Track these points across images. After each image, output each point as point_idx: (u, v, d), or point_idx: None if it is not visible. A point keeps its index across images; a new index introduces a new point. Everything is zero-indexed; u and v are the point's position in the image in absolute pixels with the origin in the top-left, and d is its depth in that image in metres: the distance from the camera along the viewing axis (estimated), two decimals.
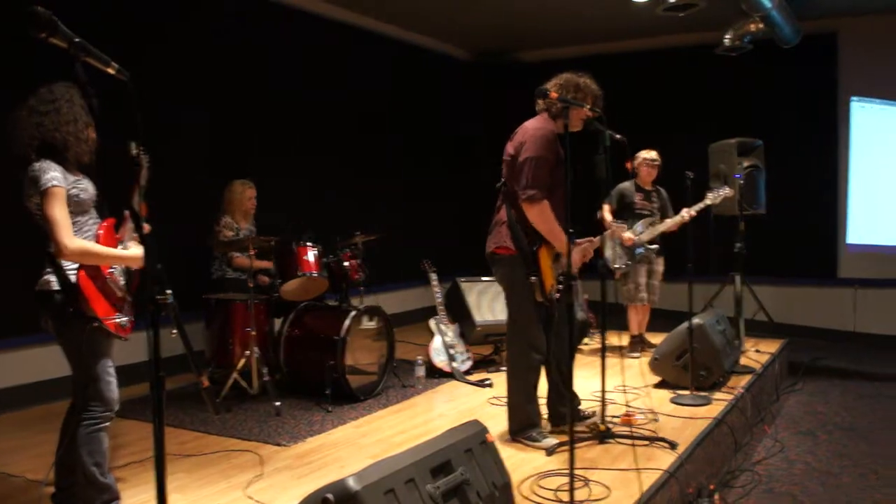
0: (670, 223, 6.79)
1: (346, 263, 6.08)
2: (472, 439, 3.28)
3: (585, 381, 5.02)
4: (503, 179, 4.50)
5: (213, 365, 5.84)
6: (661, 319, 7.37)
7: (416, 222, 9.54)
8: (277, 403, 5.32)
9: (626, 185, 6.98)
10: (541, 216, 4.30)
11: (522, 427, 4.60)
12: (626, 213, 6.95)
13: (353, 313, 5.66)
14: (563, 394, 4.67)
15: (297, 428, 5.03)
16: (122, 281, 3.49)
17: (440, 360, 6.40)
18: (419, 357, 6.31)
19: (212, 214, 6.30)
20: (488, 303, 6.85)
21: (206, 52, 6.93)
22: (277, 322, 6.13)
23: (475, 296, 6.88)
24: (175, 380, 6.09)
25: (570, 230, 3.80)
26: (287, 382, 5.86)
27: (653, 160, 7.02)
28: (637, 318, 7.12)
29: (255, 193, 6.38)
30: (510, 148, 4.46)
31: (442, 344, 6.47)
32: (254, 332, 5.48)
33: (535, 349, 4.51)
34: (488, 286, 6.97)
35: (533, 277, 4.34)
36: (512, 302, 4.54)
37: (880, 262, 8.99)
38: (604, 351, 4.35)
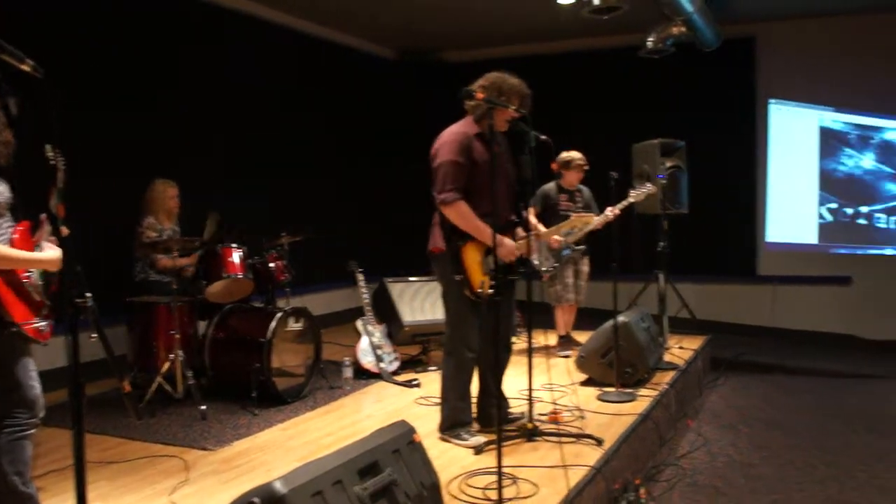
0: (596, 222, 6.83)
1: (271, 265, 6.01)
2: (400, 439, 3.27)
3: (513, 379, 5.05)
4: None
5: (136, 369, 5.71)
6: (587, 318, 7.44)
7: (343, 223, 9.47)
8: (203, 407, 5.23)
9: (550, 187, 7.00)
10: (459, 216, 4.34)
11: (452, 425, 4.60)
12: (550, 214, 6.94)
13: (279, 315, 5.60)
14: (492, 395, 4.69)
15: (223, 432, 4.95)
16: (39, 285, 3.39)
17: (368, 360, 6.37)
18: (346, 358, 6.27)
19: (134, 215, 6.17)
20: (416, 303, 6.84)
21: (128, 48, 6.79)
22: (202, 325, 6.03)
23: (402, 296, 6.87)
24: (96, 385, 5.95)
25: (514, 219, 3.82)
26: (213, 386, 5.76)
27: (583, 164, 7.04)
28: (564, 318, 7.17)
29: (178, 192, 6.27)
30: (432, 153, 4.49)
31: (369, 345, 6.44)
32: (178, 335, 5.38)
33: (468, 347, 4.52)
34: (415, 286, 6.96)
35: (458, 276, 4.36)
36: (446, 299, 4.57)
37: (797, 260, 9.26)
38: (530, 350, 4.38)
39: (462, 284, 4.38)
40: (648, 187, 6.75)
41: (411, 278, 7.07)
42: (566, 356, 6.91)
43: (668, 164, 7.34)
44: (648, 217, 7.31)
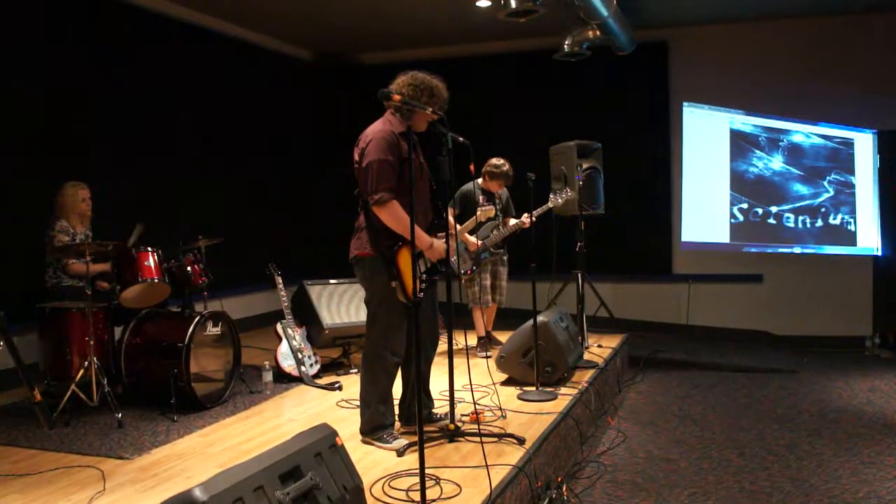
0: (513, 227, 6.90)
1: (188, 268, 5.90)
2: (322, 443, 3.23)
3: (434, 380, 5.04)
4: (358, 187, 4.49)
5: (48, 377, 5.54)
6: (507, 318, 7.49)
7: (262, 225, 9.38)
8: (119, 415, 5.11)
9: (469, 188, 6.99)
10: (392, 217, 4.30)
11: (374, 428, 4.57)
12: (469, 215, 6.97)
13: (196, 319, 5.52)
14: (420, 396, 4.68)
15: (141, 440, 4.84)
16: None
17: (288, 364, 6.31)
18: (266, 362, 6.21)
19: (45, 219, 6.00)
20: (336, 305, 6.80)
21: (34, 47, 6.59)
22: (118, 331, 5.89)
23: (322, 298, 6.82)
24: (6, 395, 5.77)
25: (435, 221, 3.80)
26: (129, 393, 5.63)
27: (508, 181, 7.01)
28: (482, 319, 7.21)
29: (90, 195, 6.12)
30: (356, 154, 4.45)
31: (289, 348, 6.37)
32: (92, 342, 5.24)
33: (393, 352, 4.51)
34: (335, 289, 6.92)
35: (393, 282, 4.34)
36: (372, 304, 4.53)
37: (711, 259, 9.46)
38: (451, 351, 4.37)
39: (396, 290, 4.37)
40: (567, 194, 6.83)
41: (331, 281, 7.02)
42: (487, 356, 6.93)
43: (585, 165, 7.42)
44: (566, 218, 7.37)
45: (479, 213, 6.20)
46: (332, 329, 6.68)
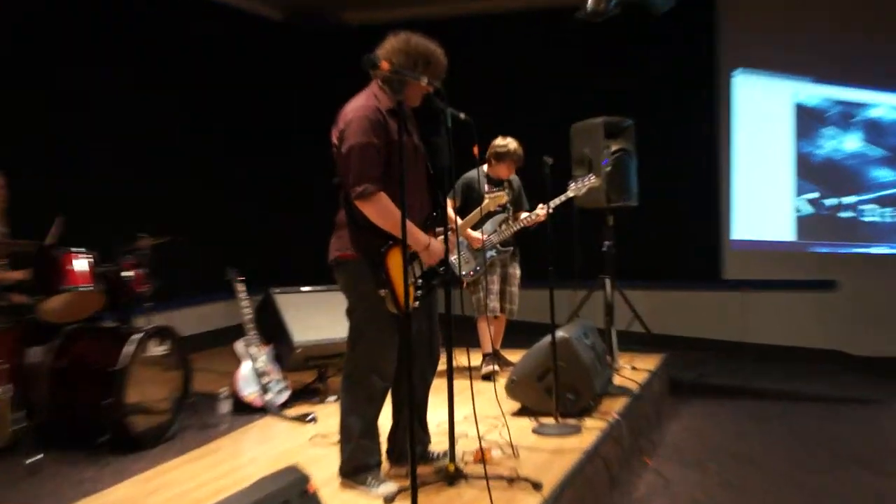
0: (526, 221, 6.92)
1: (127, 273, 5.87)
2: (290, 489, 3.21)
3: (430, 410, 5.00)
4: (338, 174, 4.47)
5: None
6: (519, 333, 7.46)
7: (220, 221, 9.38)
8: (36, 458, 5.06)
9: (473, 175, 6.98)
10: (380, 213, 4.27)
11: (357, 468, 4.54)
12: (473, 208, 6.95)
13: (137, 337, 5.49)
14: (413, 429, 4.62)
15: (63, 488, 4.80)
16: None
17: (250, 391, 6.29)
18: (223, 389, 6.19)
19: None
20: (309, 318, 6.77)
21: None
22: (37, 352, 5.83)
23: (293, 310, 6.79)
24: None
25: (433, 214, 3.81)
26: (50, 429, 5.57)
27: (519, 160, 7.09)
28: (489, 334, 7.18)
29: (5, 183, 6.07)
30: (334, 136, 4.42)
31: (252, 371, 6.36)
32: (5, 366, 5.19)
33: (379, 374, 4.48)
34: (309, 298, 6.90)
35: (383, 290, 4.32)
36: (355, 315, 4.52)
37: (769, 261, 9.42)
38: (450, 372, 4.31)
39: (385, 299, 4.35)
40: (591, 179, 6.82)
41: (304, 288, 7.01)
42: (492, 370, 6.99)
43: (614, 147, 7.41)
44: (591, 211, 7.37)
45: (486, 199, 6.19)
46: (306, 347, 6.65)
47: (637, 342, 8.03)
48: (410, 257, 4.36)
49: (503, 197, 6.48)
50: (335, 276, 4.56)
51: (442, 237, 4.46)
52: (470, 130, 4.11)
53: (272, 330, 6.73)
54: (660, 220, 9.31)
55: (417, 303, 4.43)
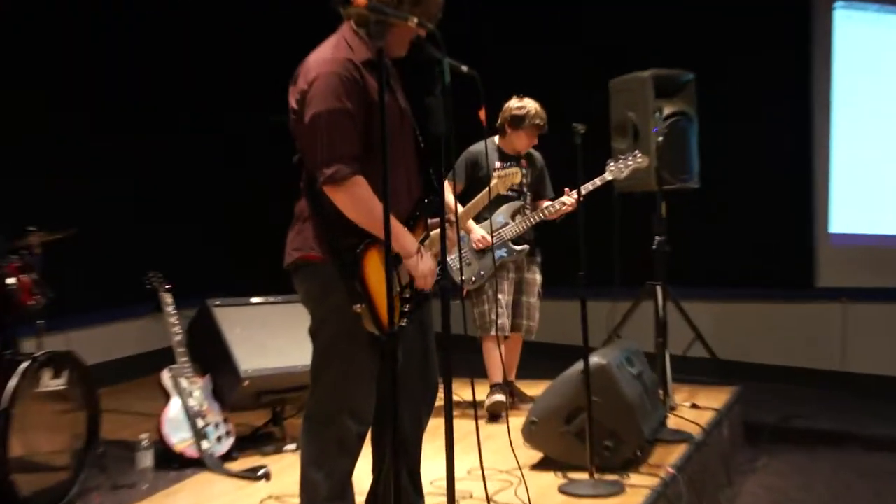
0: (549, 211, 6.92)
1: (10, 281, 5.83)
2: None
3: (423, 462, 4.96)
4: (298, 152, 4.40)
5: None
6: (540, 359, 7.46)
7: (137, 212, 9.37)
8: None
9: (480, 149, 7.00)
10: (355, 203, 4.19)
11: None
12: (479, 191, 6.92)
13: (23, 367, 5.43)
14: (400, 492, 4.56)
15: None
16: None
17: (180, 438, 6.26)
18: (144, 436, 6.11)
19: None
20: (261, 340, 6.75)
21: None
22: None
23: (239, 329, 6.76)
24: None
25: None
26: None
27: (542, 123, 7.08)
28: (498, 358, 7.13)
29: None
30: (293, 98, 4.34)
31: (183, 412, 6.33)
32: None
33: (354, 415, 4.41)
34: (260, 312, 6.91)
35: (358, 305, 4.25)
36: (320, 336, 4.45)
37: (879, 263, 9.31)
38: (449, 412, 4.24)
39: (361, 315, 4.28)
40: (637, 158, 6.84)
41: (253, 299, 7.02)
42: (503, 407, 6.93)
43: (668, 110, 7.40)
44: (637, 197, 7.36)
45: (494, 178, 6.17)
46: (255, 378, 6.60)
47: (699, 371, 8.01)
48: (395, 259, 4.31)
49: (517, 174, 6.49)
50: (294, 284, 4.51)
51: (434, 238, 4.44)
52: (475, 88, 4.05)
53: (210, 356, 6.71)
54: (730, 208, 9.25)
55: (405, 320, 4.37)
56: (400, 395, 4.06)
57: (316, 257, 4.37)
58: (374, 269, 4.26)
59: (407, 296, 4.42)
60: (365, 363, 4.42)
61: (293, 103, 4.35)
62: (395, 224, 4.19)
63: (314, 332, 4.50)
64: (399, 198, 4.28)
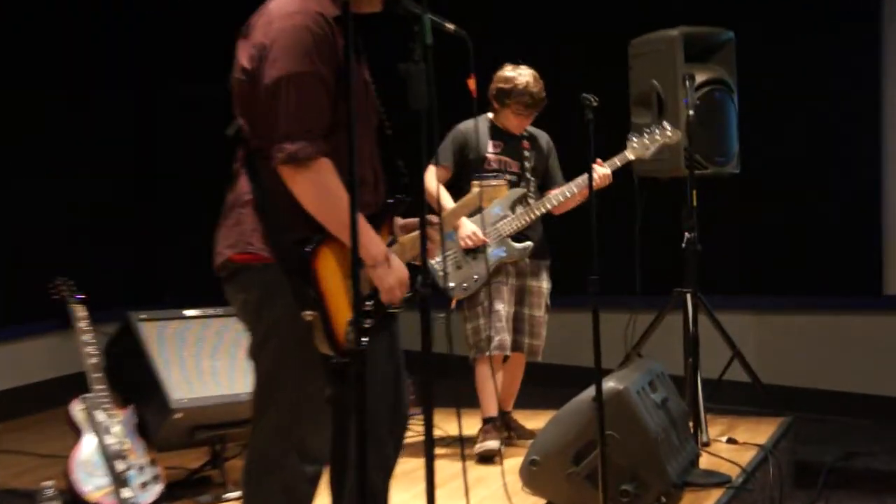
0: (555, 200, 6.95)
1: None
2: None
3: None
4: (237, 120, 4.41)
5: None
6: (541, 383, 7.47)
7: (42, 208, 9.40)
8: None
9: (470, 127, 7.06)
10: (318, 191, 4.16)
11: None
12: (471, 177, 7.01)
13: None
14: None
15: None
16: None
17: (95, 485, 6.22)
18: (48, 483, 6.10)
19: None
20: (197, 362, 6.76)
21: None
22: None
23: (169, 349, 6.76)
24: None
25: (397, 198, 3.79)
26: None
27: (540, 94, 7.07)
28: (492, 384, 7.14)
29: None
30: (243, 55, 4.32)
31: (98, 451, 6.31)
32: None
33: (304, 454, 4.41)
34: (195, 329, 6.88)
35: (309, 312, 4.26)
36: (262, 357, 4.44)
37: None
38: (430, 450, 4.29)
39: (312, 329, 4.29)
40: (666, 132, 6.86)
41: (188, 312, 7.00)
42: (497, 445, 6.97)
43: (702, 77, 7.44)
44: (663, 184, 7.41)
45: (475, 189, 6.14)
46: (190, 410, 6.61)
47: (739, 399, 8.08)
48: (357, 263, 4.27)
49: (502, 188, 6.50)
50: (227, 293, 4.49)
51: (405, 243, 4.47)
52: (463, 51, 4.07)
53: (134, 382, 6.71)
54: (778, 199, 9.27)
55: (367, 337, 4.31)
56: (364, 431, 4.12)
57: (256, 257, 4.30)
58: (329, 272, 4.24)
59: (368, 308, 4.41)
60: (318, 391, 4.40)
61: (244, 61, 4.27)
62: (362, 223, 4.12)
63: (255, 353, 4.45)
64: (363, 192, 4.20)
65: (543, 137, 7.32)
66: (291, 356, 4.38)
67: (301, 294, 4.26)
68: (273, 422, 4.45)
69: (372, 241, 4.25)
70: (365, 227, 4.20)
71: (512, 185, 7.08)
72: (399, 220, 4.56)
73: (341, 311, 4.25)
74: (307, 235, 4.26)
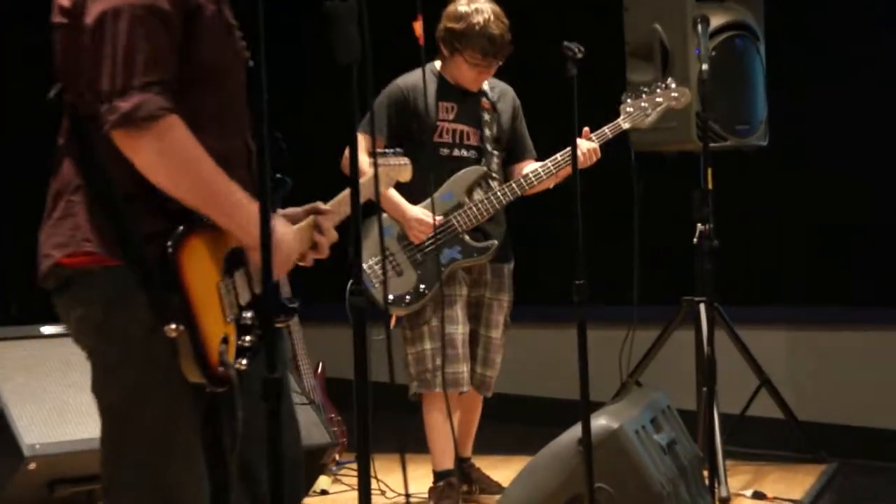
0: (526, 183, 6.89)
1: None
2: None
3: None
4: (59, 81, 4.33)
5: None
6: (509, 422, 7.47)
7: None
8: None
9: (410, 82, 7.03)
10: (168, 159, 4.02)
11: None
12: (416, 151, 6.90)
13: None
14: None
15: None
16: None
17: None
18: None
19: None
20: (57, 393, 6.76)
21: None
22: None
23: (20, 378, 6.76)
24: None
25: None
26: None
27: (492, 37, 6.99)
28: (447, 429, 7.11)
29: None
30: None
31: None
32: None
33: (169, 500, 4.42)
34: (54, 351, 6.87)
35: (173, 326, 4.20)
36: (110, 391, 4.34)
37: None
38: None
39: (176, 348, 4.24)
40: (671, 91, 6.84)
41: (45, 328, 6.99)
42: None
43: (719, 20, 7.45)
44: (668, 161, 7.38)
45: (372, 169, 5.89)
46: (46, 458, 6.61)
47: (768, 440, 8.10)
48: (234, 258, 4.28)
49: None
50: (58, 308, 4.35)
51: (301, 221, 4.40)
52: None
53: None
54: (816, 181, 9.27)
55: (244, 359, 4.28)
56: (252, 480, 4.19)
57: (95, 258, 4.13)
58: (198, 273, 4.10)
59: (248, 322, 4.43)
60: (187, 431, 4.28)
61: (65, 1, 4.25)
62: (235, 191, 4.06)
63: (100, 386, 4.32)
64: (237, 171, 4.15)
65: (508, 94, 7.24)
66: (150, 387, 4.23)
67: (160, 303, 4.08)
68: (129, 477, 4.36)
69: (252, 216, 3.81)
70: (240, 200, 4.08)
71: (470, 162, 7.02)
72: (280, 210, 4.39)
73: (214, 324, 4.14)
74: (165, 226, 4.08)
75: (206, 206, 4.09)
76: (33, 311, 7.18)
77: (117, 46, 3.98)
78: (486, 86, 7.15)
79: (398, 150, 5.92)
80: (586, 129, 6.63)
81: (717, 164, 7.19)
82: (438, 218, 6.74)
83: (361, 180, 4.58)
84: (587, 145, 6.62)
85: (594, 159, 6.67)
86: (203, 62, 4.11)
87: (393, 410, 6.51)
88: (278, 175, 4.39)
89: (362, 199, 4.29)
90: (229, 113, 4.21)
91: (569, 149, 6.32)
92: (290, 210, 4.43)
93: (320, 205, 4.45)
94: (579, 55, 5.63)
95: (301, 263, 4.40)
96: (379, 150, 6.20)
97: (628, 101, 6.83)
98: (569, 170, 6.49)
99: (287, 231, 4.26)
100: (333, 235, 4.40)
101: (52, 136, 4.33)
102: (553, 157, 6.81)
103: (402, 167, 5.14)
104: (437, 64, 7.11)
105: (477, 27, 6.86)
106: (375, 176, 4.22)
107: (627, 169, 7.02)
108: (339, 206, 4.49)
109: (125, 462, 4.33)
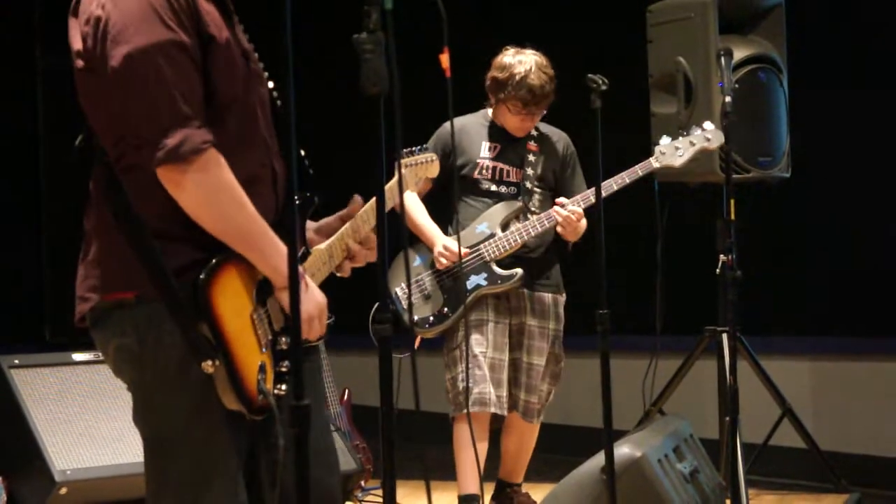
0: (562, 217, 6.85)
1: None
2: None
3: None
4: (87, 126, 4.31)
5: None
6: (535, 448, 7.46)
7: None
8: None
9: (462, 126, 7.11)
10: (214, 194, 3.96)
11: None
12: (458, 189, 7.03)
13: None
14: None
15: None
16: None
17: None
18: None
19: None
20: (88, 419, 6.75)
21: None
22: None
23: (50, 402, 6.76)
24: None
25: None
26: None
27: (532, 88, 6.94)
28: (470, 451, 7.01)
29: None
30: (75, 35, 4.15)
31: None
32: None
33: None
34: (85, 378, 6.85)
35: (209, 361, 4.19)
36: (151, 422, 4.34)
37: None
38: None
39: (214, 380, 4.23)
40: (706, 133, 6.86)
41: (76, 355, 6.98)
42: None
43: (742, 53, 7.47)
44: (691, 192, 7.41)
45: (412, 162, 5.88)
46: (78, 483, 6.60)
47: (791, 469, 8.09)
48: (266, 286, 4.21)
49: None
50: (96, 339, 4.31)
51: (317, 256, 4.42)
52: (436, 18, 4.08)
53: (6, 448, 6.73)
54: (840, 210, 9.26)
55: (282, 385, 4.24)
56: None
57: (130, 294, 4.11)
58: (231, 305, 4.08)
59: (283, 347, 4.33)
60: (228, 460, 4.27)
61: (78, 43, 4.08)
62: (268, 234, 4.08)
63: (140, 415, 4.33)
64: (262, 192, 4.15)
65: (561, 139, 7.25)
66: (188, 417, 4.21)
67: (194, 337, 4.07)
68: (164, 496, 4.30)
69: (282, 257, 3.89)
70: (272, 240, 4.10)
71: (507, 197, 7.07)
72: (312, 224, 4.50)
73: (250, 354, 4.13)
74: (195, 260, 4.07)
75: (239, 244, 4.09)
76: (66, 336, 7.22)
77: (151, 86, 3.95)
78: (536, 130, 7.20)
79: (424, 146, 5.98)
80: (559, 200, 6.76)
81: (740, 195, 7.23)
82: (467, 249, 6.83)
83: (388, 185, 4.62)
84: (575, 207, 6.73)
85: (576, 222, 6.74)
86: (223, 90, 4.09)
87: (418, 438, 6.54)
88: (305, 194, 4.43)
89: (388, 206, 4.29)
90: (252, 136, 4.20)
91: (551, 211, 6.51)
92: (324, 221, 4.51)
93: (357, 197, 4.53)
94: (603, 87, 5.65)
95: (339, 274, 4.44)
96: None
97: (662, 143, 6.86)
98: (569, 215, 6.70)
99: (312, 284, 4.30)
100: (372, 239, 4.46)
101: (83, 177, 4.33)
102: (564, 204, 6.85)
103: (429, 164, 5.11)
104: (490, 111, 7.20)
105: (517, 77, 6.96)
106: (399, 181, 4.17)
107: (651, 199, 7.00)
108: (373, 211, 4.50)
109: (166, 492, 4.33)
